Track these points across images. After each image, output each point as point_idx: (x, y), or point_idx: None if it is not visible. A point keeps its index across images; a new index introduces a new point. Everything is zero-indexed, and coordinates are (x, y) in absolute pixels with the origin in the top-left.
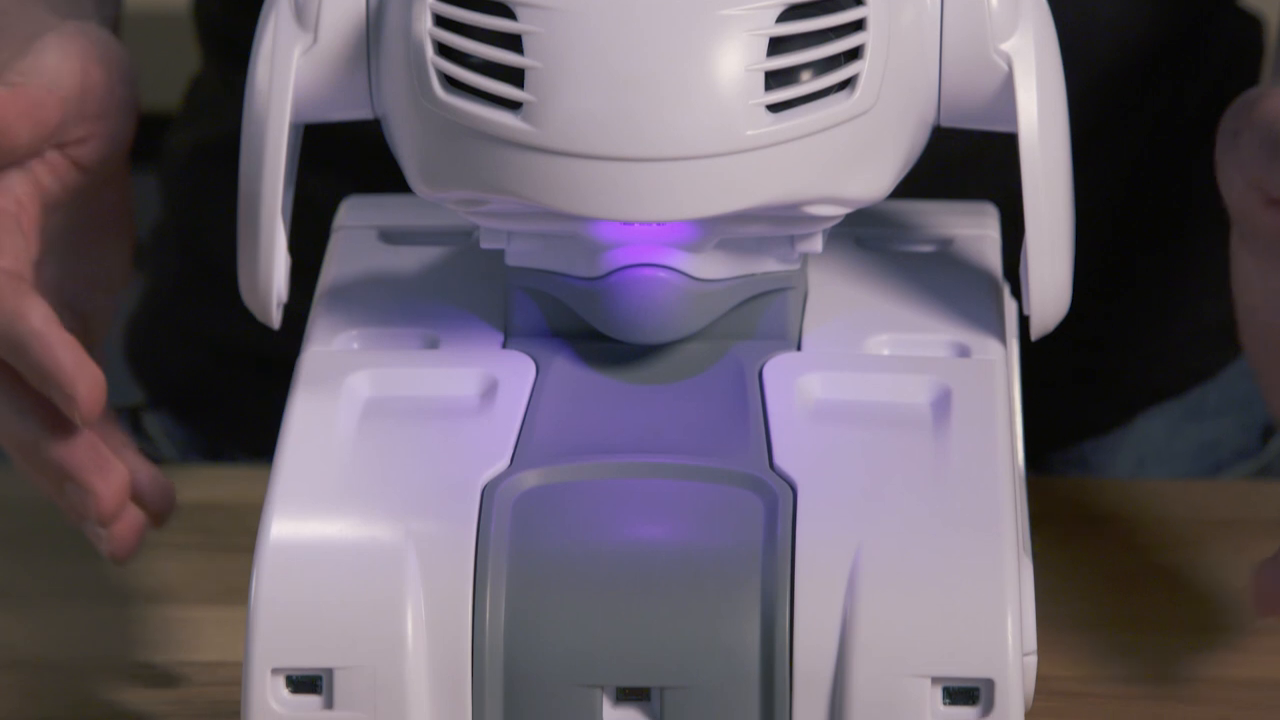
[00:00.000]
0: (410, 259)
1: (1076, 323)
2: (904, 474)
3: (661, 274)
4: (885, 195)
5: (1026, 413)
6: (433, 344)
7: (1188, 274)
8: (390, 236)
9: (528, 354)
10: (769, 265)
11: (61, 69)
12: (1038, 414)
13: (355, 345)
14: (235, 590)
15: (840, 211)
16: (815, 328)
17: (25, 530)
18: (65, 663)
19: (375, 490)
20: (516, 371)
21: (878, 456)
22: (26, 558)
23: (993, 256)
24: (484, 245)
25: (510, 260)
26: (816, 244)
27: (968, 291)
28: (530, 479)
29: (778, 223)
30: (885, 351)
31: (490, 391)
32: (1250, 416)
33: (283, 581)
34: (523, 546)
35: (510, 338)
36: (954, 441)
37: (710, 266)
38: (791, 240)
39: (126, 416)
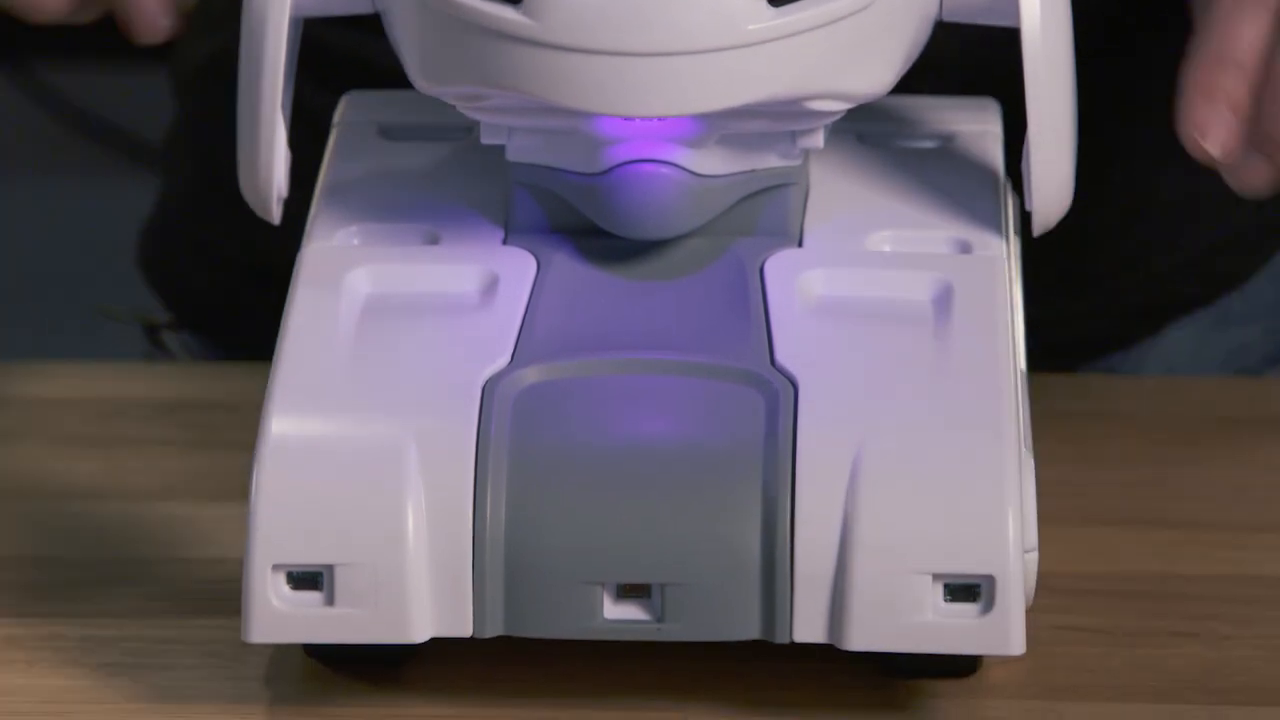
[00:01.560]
0: (411, 155)
1: (1103, 236)
2: (905, 370)
3: (662, 169)
4: (887, 90)
5: (1053, 327)
6: (433, 240)
7: (1214, 179)
8: (391, 132)
9: (528, 250)
10: (770, 161)
11: None
12: (1065, 327)
13: (355, 241)
14: (237, 488)
15: (842, 107)
16: (816, 224)
17: (24, 428)
18: (66, 560)
19: (375, 387)
20: (517, 268)
21: (879, 353)
22: (26, 456)
23: (995, 152)
24: (484, 140)
25: (511, 156)
26: (818, 140)
27: (970, 188)
28: (531, 375)
29: (779, 118)
30: (887, 248)
31: (491, 288)
32: (1278, 321)
33: (283, 478)
34: (524, 443)
35: (511, 234)
36: (955, 338)
37: (711, 162)
38: (793, 136)
39: (144, 330)
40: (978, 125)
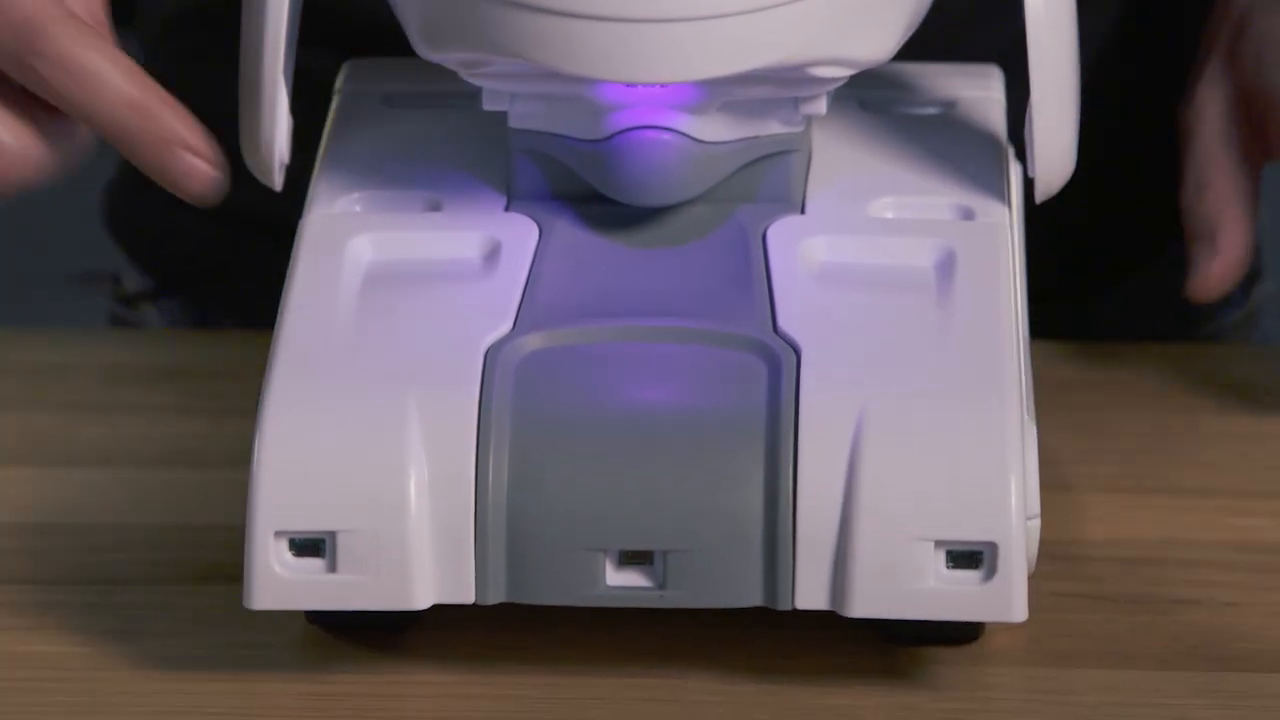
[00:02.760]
0: (412, 122)
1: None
2: (908, 337)
3: (665, 136)
4: (890, 56)
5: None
6: (435, 207)
7: None
8: (393, 100)
9: (530, 217)
10: (773, 128)
11: None
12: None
13: (357, 209)
14: (239, 454)
15: (845, 73)
16: (818, 191)
17: (25, 395)
18: (67, 527)
19: (377, 354)
20: (519, 234)
21: (882, 320)
22: (27, 422)
23: (997, 118)
24: (486, 107)
25: (513, 122)
26: (820, 106)
27: (972, 154)
28: (533, 342)
29: (782, 84)
30: (889, 214)
31: (493, 254)
32: None
33: (285, 445)
34: (526, 410)
35: (513, 200)
36: (959, 305)
37: (714, 129)
38: (796, 102)
39: (112, 291)
40: (980, 91)
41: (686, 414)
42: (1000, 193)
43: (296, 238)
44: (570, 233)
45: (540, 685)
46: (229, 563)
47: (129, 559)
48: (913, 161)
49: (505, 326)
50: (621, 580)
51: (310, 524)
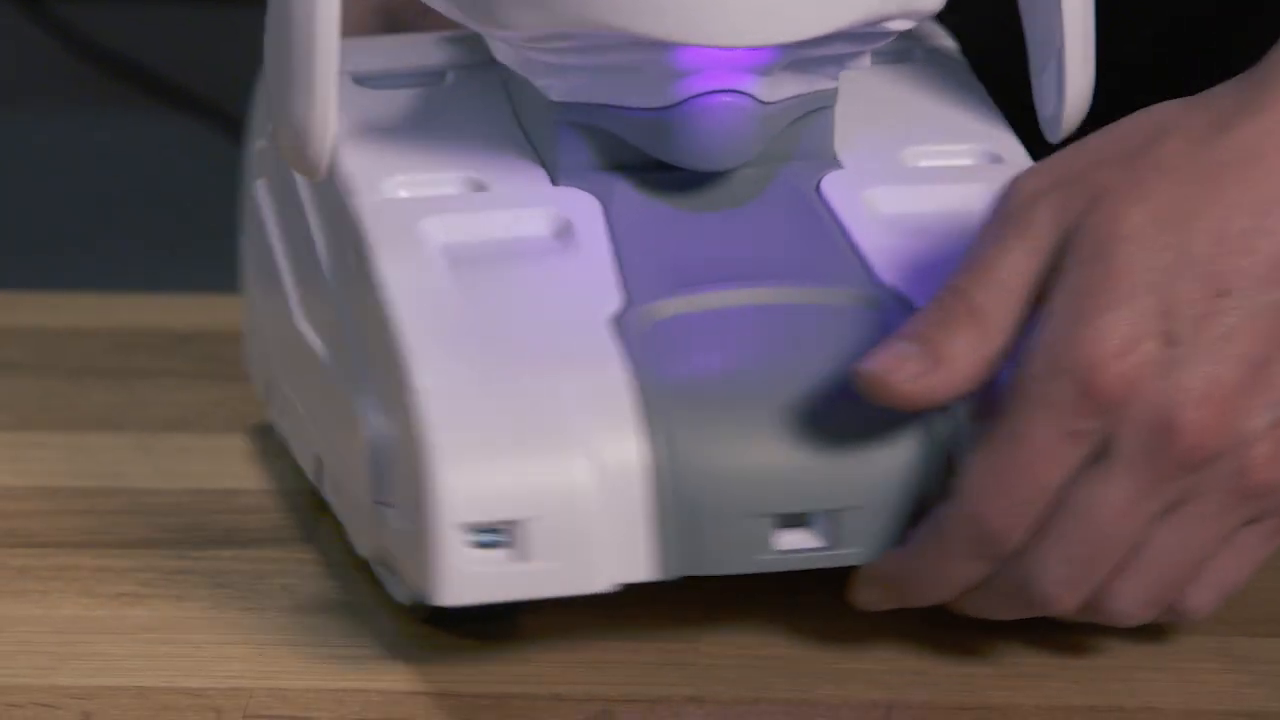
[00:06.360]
0: (401, 101)
1: None
2: None
3: (735, 99)
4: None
5: None
6: (479, 186)
7: None
8: (365, 80)
9: (585, 190)
10: (821, 84)
11: None
12: None
13: (403, 193)
14: (253, 419)
15: (912, 25)
16: (845, 146)
17: (38, 359)
18: (79, 491)
19: (505, 337)
20: (582, 208)
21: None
22: (40, 387)
23: (965, 67)
24: (537, 81)
25: (558, 96)
26: (867, 60)
27: (965, 101)
28: (656, 312)
29: (854, 40)
30: (924, 164)
31: (565, 231)
32: None
33: (457, 436)
34: (679, 381)
35: (559, 175)
36: None
37: (775, 89)
38: (842, 59)
39: None
40: (936, 41)
41: (837, 373)
42: (1012, 137)
43: (356, 224)
44: (632, 203)
45: (555, 650)
46: (240, 527)
47: (141, 523)
48: (917, 111)
49: (616, 300)
50: (790, 542)
51: (494, 514)
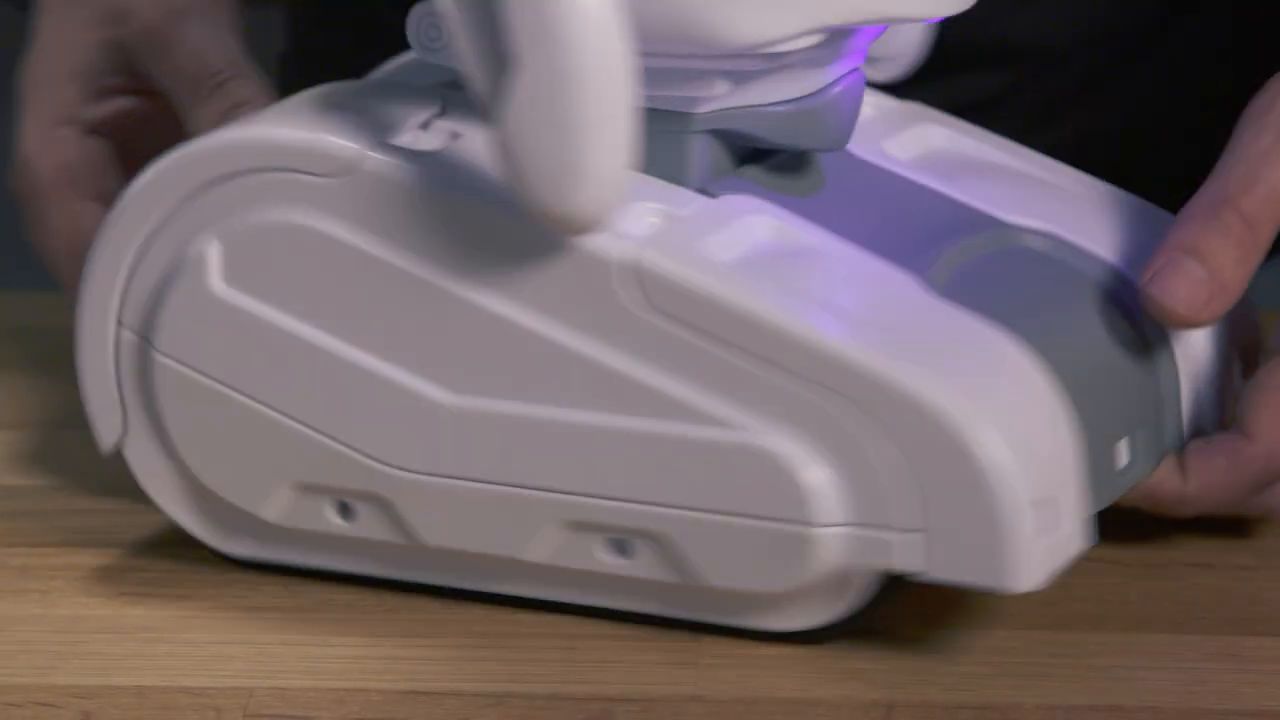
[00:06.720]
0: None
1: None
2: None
3: (859, 76)
4: None
5: None
6: (669, 215)
7: None
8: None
9: (738, 193)
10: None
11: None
12: None
13: (636, 232)
14: None
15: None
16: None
17: (33, 357)
18: (80, 490)
19: (892, 328)
20: (766, 208)
21: (1043, 194)
22: (36, 385)
23: None
24: (701, 109)
25: (706, 107)
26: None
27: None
28: (938, 276)
29: None
30: (868, 112)
31: (779, 232)
32: None
33: (993, 418)
34: (1046, 333)
35: (697, 184)
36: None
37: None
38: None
39: None
40: None
41: (1092, 303)
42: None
43: (650, 271)
44: (773, 195)
45: (556, 649)
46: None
47: (142, 522)
48: None
49: (908, 279)
50: (1120, 463)
51: (1047, 490)
